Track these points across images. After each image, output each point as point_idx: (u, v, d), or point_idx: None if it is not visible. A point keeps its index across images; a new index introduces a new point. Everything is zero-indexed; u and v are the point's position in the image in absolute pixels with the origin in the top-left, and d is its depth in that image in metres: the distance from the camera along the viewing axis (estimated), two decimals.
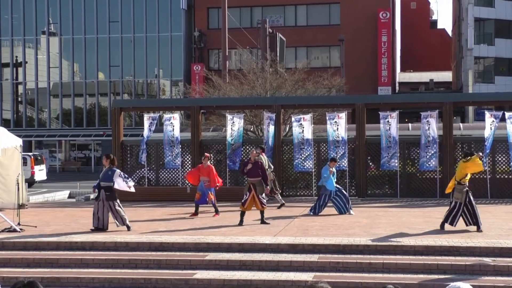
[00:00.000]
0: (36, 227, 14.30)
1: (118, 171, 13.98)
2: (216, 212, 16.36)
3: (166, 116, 22.11)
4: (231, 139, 21.11)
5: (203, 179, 16.34)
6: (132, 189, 14.23)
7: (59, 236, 13.02)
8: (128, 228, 13.67)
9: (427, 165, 20.40)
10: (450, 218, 13.24)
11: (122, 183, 13.88)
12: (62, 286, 10.60)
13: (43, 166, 35.99)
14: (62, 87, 53.05)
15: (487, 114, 20.61)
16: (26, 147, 42.59)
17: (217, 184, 16.50)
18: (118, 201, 13.86)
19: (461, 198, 13.19)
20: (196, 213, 16.35)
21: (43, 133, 52.03)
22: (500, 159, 20.72)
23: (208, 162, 16.57)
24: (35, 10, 52.31)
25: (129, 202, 19.98)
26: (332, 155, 20.31)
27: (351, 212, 16.27)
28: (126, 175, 14.16)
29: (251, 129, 26.64)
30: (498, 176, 20.58)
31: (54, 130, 52.60)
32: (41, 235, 13.18)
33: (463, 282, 4.47)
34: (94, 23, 51.45)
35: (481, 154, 15.07)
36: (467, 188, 13.34)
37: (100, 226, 13.75)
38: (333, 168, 16.35)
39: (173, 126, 21.47)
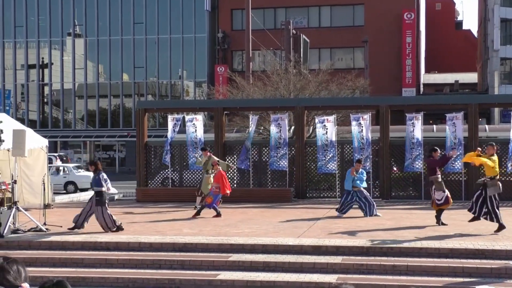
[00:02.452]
0: (61, 227, 14.44)
1: (102, 174, 14.05)
2: (218, 213, 16.39)
3: (188, 117, 22.20)
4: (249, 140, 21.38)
5: (213, 185, 16.49)
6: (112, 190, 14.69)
7: (84, 236, 13.14)
8: (120, 229, 13.79)
9: (452, 167, 20.22)
10: (497, 215, 13.13)
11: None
12: (87, 286, 10.69)
13: None
14: (87, 88, 53.55)
15: None
16: (52, 147, 43.00)
17: (227, 191, 16.44)
18: (107, 205, 14.01)
19: (494, 190, 13.09)
20: (218, 214, 16.36)
21: (69, 133, 52.57)
22: None
23: (220, 167, 16.68)
24: (61, 12, 52.87)
25: (152, 202, 20.14)
26: (357, 157, 20.28)
27: (377, 213, 16.19)
28: (106, 178, 14.17)
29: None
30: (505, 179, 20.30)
31: (79, 131, 53.12)
32: (66, 234, 13.31)
33: (489, 285, 4.44)
34: (119, 24, 51.86)
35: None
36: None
37: (76, 224, 13.95)
38: (360, 169, 16.29)
39: (196, 127, 21.55)
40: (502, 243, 11.75)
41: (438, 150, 15.11)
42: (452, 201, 14.60)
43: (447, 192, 14.34)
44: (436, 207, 14.46)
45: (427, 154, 16.05)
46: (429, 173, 14.94)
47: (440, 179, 14.49)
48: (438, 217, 14.38)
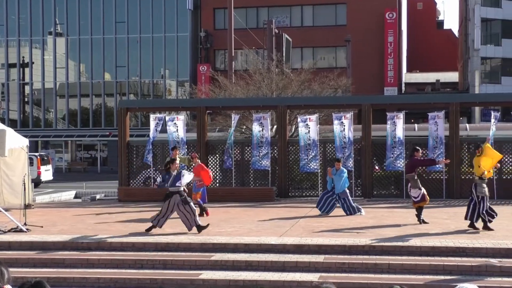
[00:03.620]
0: (42, 227, 14.34)
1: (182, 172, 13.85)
2: (204, 211, 16.37)
3: (169, 117, 22.14)
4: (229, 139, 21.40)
5: (195, 179, 16.41)
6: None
7: (65, 236, 13.05)
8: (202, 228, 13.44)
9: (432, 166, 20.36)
10: (475, 215, 13.24)
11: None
12: (68, 286, 10.62)
13: (49, 166, 36.09)
14: (68, 88, 53.20)
15: (492, 115, 20.70)
16: (33, 147, 42.72)
17: (208, 183, 16.60)
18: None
19: (484, 192, 13.19)
20: (206, 212, 16.37)
21: (50, 133, 52.19)
22: (507, 159, 20.66)
23: (198, 161, 16.67)
24: (41, 11, 52.48)
25: (135, 202, 20.05)
26: (339, 156, 20.35)
27: (362, 212, 16.26)
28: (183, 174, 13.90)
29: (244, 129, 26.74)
30: (504, 177, 20.53)
31: (61, 130, 52.76)
32: (47, 235, 13.21)
33: (469, 283, 4.47)
34: (101, 23, 51.58)
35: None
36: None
37: (157, 224, 13.56)
38: (340, 168, 16.34)
39: (177, 126, 21.50)
40: (483, 241, 11.84)
41: (420, 150, 15.22)
42: (429, 198, 14.68)
43: (423, 190, 14.45)
44: (415, 205, 14.56)
45: (409, 153, 16.14)
46: (406, 171, 15.05)
47: (416, 177, 14.58)
48: (418, 215, 14.47)
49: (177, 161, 16.80)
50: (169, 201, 13.41)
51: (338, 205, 16.43)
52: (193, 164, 16.91)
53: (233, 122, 21.80)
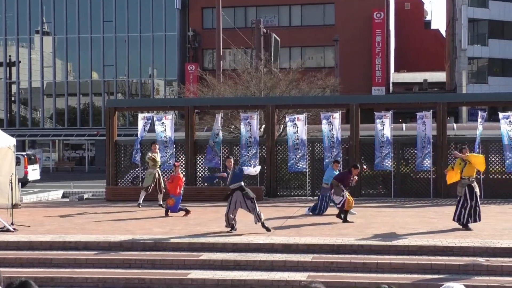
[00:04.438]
0: (29, 227, 14.26)
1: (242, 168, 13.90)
2: (166, 213, 16.45)
3: (157, 116, 22.10)
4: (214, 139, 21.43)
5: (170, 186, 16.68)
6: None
7: (52, 236, 12.98)
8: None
9: (421, 165, 20.47)
10: (456, 215, 13.36)
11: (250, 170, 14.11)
12: (55, 286, 10.57)
13: (36, 166, 35.89)
14: (55, 87, 52.94)
15: (479, 115, 20.83)
16: (20, 146, 42.48)
17: (173, 193, 16.44)
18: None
19: (460, 192, 13.31)
20: (187, 211, 16.50)
21: (37, 132, 51.91)
22: (493, 159, 20.79)
23: (179, 170, 16.98)
24: (28, 10, 52.18)
25: (122, 201, 19.99)
26: (327, 156, 20.41)
27: (353, 212, 16.30)
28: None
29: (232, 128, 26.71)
30: (491, 176, 20.65)
31: (48, 129, 52.48)
32: (34, 235, 13.14)
33: (457, 282, 4.49)
34: (88, 22, 51.37)
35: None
36: (469, 183, 13.42)
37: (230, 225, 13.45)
38: (336, 171, 16.40)
39: (165, 126, 21.46)
40: (470, 240, 11.90)
41: (359, 168, 15.44)
42: (352, 200, 14.97)
43: (345, 197, 14.69)
44: (343, 208, 14.79)
45: (348, 169, 16.22)
46: (335, 177, 15.41)
47: (339, 185, 14.83)
48: (339, 215, 14.77)
49: (158, 158, 17.17)
50: (230, 199, 13.36)
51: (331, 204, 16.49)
52: (173, 173, 17.07)
53: (215, 122, 21.69)
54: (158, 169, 18.21)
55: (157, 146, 18.56)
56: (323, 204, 16.40)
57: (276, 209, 17.63)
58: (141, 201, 18.02)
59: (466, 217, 13.27)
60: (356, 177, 15.53)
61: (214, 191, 20.61)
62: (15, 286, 3.57)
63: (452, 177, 13.80)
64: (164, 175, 21.83)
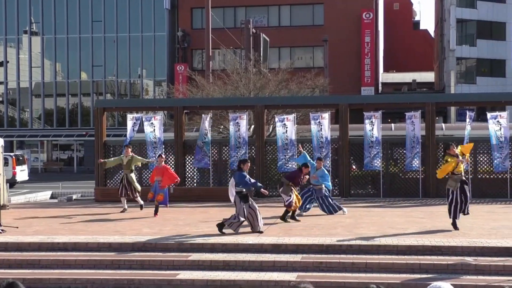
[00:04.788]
0: (17, 228, 14.19)
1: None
2: (155, 213, 16.43)
3: (146, 116, 22.05)
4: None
5: (157, 179, 16.65)
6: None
7: (41, 237, 12.93)
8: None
9: (410, 165, 20.55)
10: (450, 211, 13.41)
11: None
12: (44, 287, 10.52)
13: (25, 167, 35.72)
14: (44, 87, 52.71)
15: (467, 115, 20.95)
16: (8, 147, 42.28)
17: (176, 180, 16.89)
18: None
19: (454, 186, 13.34)
20: (156, 213, 16.47)
21: (25, 133, 51.67)
22: (482, 159, 20.90)
23: (163, 162, 16.87)
24: (17, 9, 51.93)
25: (111, 202, 19.93)
26: (317, 156, 20.43)
27: (345, 211, 16.34)
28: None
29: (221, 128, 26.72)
30: (479, 176, 20.76)
31: (36, 130, 52.24)
32: (22, 236, 13.08)
33: (445, 281, 4.51)
34: (77, 22, 51.18)
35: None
36: (462, 179, 13.50)
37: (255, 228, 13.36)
38: (321, 167, 16.47)
39: (154, 126, 21.42)
40: (458, 240, 11.96)
41: (309, 166, 15.42)
42: (299, 201, 15.17)
43: (292, 197, 14.78)
44: (288, 208, 14.82)
45: (298, 167, 16.31)
46: (286, 176, 15.67)
47: (290, 184, 14.94)
48: (284, 215, 14.84)
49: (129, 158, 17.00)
50: (250, 201, 13.35)
51: (315, 204, 16.48)
52: (157, 163, 17.17)
53: (202, 123, 21.64)
54: (131, 173, 17.71)
55: (129, 150, 18.07)
56: (332, 203, 16.36)
57: (266, 209, 17.61)
58: (125, 206, 17.77)
59: (458, 212, 13.33)
60: (307, 176, 15.53)
61: (203, 191, 20.58)
62: (2, 287, 3.56)
63: (445, 170, 13.73)
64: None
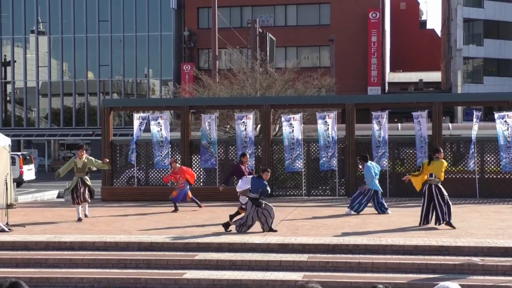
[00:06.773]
0: (24, 227, 14.23)
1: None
2: (199, 205, 17.63)
3: (152, 116, 22.07)
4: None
5: (179, 182, 17.47)
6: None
7: (48, 236, 12.96)
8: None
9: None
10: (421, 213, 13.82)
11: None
12: (51, 286, 10.55)
13: (31, 166, 35.80)
14: (51, 86, 52.84)
15: (474, 115, 20.91)
16: (15, 146, 42.38)
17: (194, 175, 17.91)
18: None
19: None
20: (176, 209, 17.31)
21: (32, 132, 51.79)
22: (489, 159, 20.83)
23: (177, 164, 17.25)
24: (24, 9, 52.06)
25: (118, 201, 19.97)
26: (323, 155, 20.48)
27: (388, 212, 16.46)
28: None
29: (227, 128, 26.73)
30: (486, 176, 20.68)
31: (43, 129, 52.37)
32: (30, 235, 13.12)
33: (452, 281, 4.49)
34: (84, 22, 51.27)
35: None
36: (430, 183, 13.65)
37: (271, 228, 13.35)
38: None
39: (161, 126, 21.44)
40: (465, 240, 11.92)
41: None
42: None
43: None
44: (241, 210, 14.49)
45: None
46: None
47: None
48: (232, 216, 14.35)
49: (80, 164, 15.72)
50: (263, 204, 13.35)
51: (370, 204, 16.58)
52: (172, 169, 17.95)
53: (202, 124, 21.60)
54: (85, 176, 15.97)
55: (83, 152, 16.27)
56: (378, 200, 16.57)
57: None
58: (79, 215, 15.61)
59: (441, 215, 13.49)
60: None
61: (209, 191, 20.57)
62: (5, 287, 3.55)
63: (419, 181, 14.01)
64: (160, 174, 21.83)
